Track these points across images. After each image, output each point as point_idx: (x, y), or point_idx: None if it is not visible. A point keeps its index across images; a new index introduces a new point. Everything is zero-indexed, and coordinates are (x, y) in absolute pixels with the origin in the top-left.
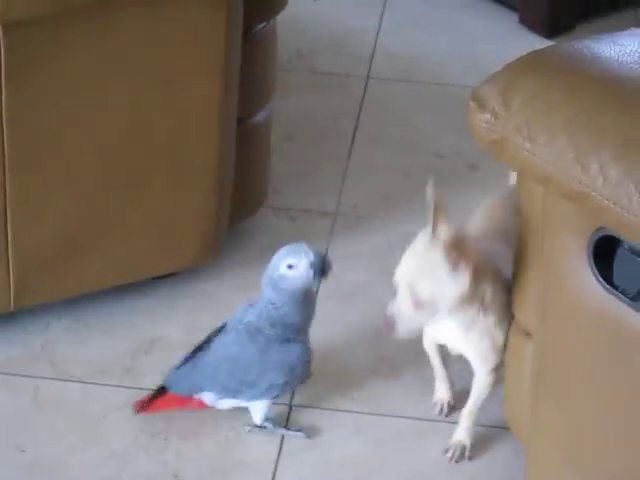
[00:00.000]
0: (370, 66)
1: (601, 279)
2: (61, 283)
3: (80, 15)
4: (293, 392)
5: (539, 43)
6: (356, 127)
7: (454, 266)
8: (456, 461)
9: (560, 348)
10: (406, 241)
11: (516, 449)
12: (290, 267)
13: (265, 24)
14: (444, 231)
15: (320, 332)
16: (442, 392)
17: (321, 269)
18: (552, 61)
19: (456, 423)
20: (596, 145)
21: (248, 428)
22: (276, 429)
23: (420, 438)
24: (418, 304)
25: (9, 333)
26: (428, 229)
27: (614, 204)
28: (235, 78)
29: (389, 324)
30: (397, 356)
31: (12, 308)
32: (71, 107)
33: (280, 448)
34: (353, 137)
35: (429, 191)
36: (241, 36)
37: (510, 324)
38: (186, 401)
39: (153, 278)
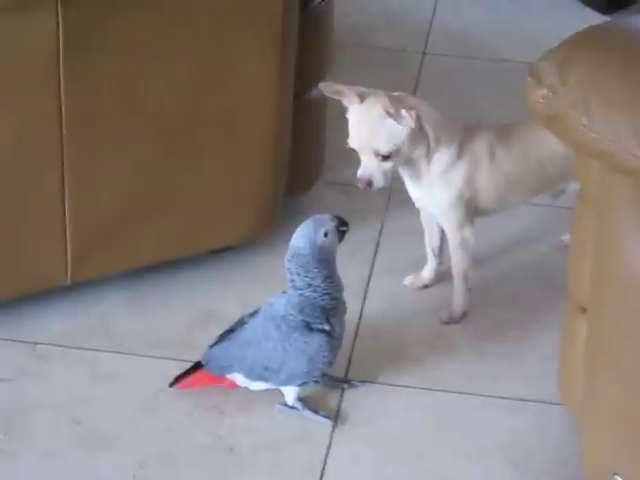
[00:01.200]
0: (427, 41)
1: None
2: (118, 256)
3: None
4: (348, 366)
5: (596, 19)
6: None
7: (396, 114)
8: (446, 323)
9: (616, 323)
10: None
11: (570, 425)
12: (326, 235)
13: None
14: (376, 96)
15: (375, 307)
16: (427, 268)
17: (343, 230)
18: (609, 37)
19: (508, 399)
20: None
21: (278, 407)
22: (304, 411)
23: (474, 413)
24: (385, 158)
25: (67, 306)
26: (354, 103)
27: None
28: (292, 52)
29: (366, 181)
30: (452, 331)
31: (69, 282)
32: (128, 78)
33: (335, 422)
34: None
35: (327, 85)
36: (298, 10)
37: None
38: (219, 380)
39: (210, 252)
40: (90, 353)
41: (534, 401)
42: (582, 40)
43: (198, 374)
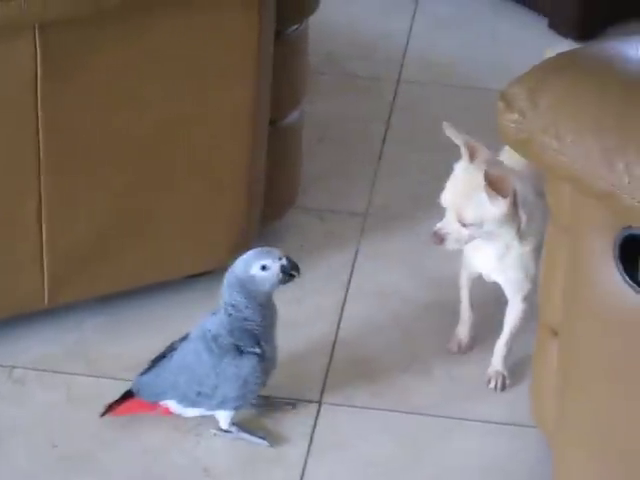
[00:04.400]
0: (401, 69)
1: (627, 278)
2: (95, 281)
3: (115, 17)
4: (323, 389)
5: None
6: (387, 129)
7: (492, 194)
8: (501, 389)
9: (586, 346)
10: None
11: (544, 448)
12: (263, 268)
13: (297, 26)
14: (482, 158)
15: (350, 331)
16: (462, 332)
17: (290, 274)
18: (580, 62)
19: (483, 421)
20: (622, 145)
21: (214, 432)
22: (240, 434)
23: (449, 436)
24: (464, 225)
25: (43, 330)
26: (464, 159)
27: (639, 203)
28: (267, 80)
29: (439, 238)
30: (427, 355)
31: (46, 305)
32: (105, 108)
33: (309, 444)
34: (384, 139)
35: (450, 129)
36: (273, 38)
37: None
38: (152, 407)
39: (186, 276)
40: (67, 377)
41: (508, 424)
42: (553, 65)
43: (130, 403)
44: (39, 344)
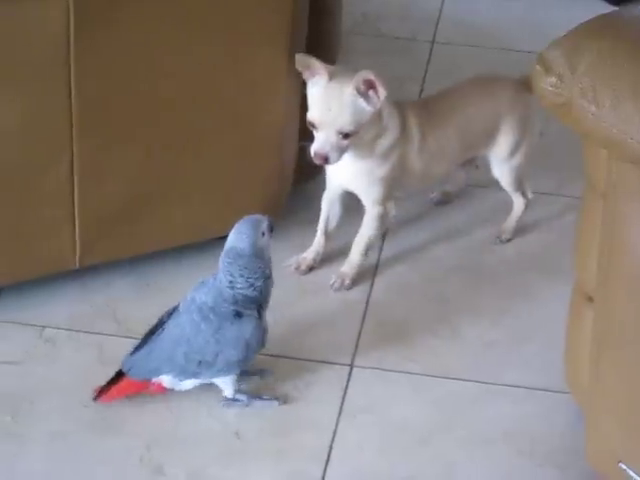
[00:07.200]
0: (435, 31)
1: None
2: (125, 242)
3: None
4: (355, 352)
5: (605, 10)
6: (421, 91)
7: (366, 94)
8: (337, 290)
9: (623, 312)
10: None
11: (576, 413)
12: (263, 234)
13: None
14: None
15: (382, 294)
16: (313, 249)
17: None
18: (618, 25)
19: (514, 386)
20: None
21: (222, 402)
22: (250, 400)
23: (478, 401)
24: (345, 136)
25: (73, 290)
26: (323, 78)
27: None
28: (301, 40)
29: (322, 157)
30: (457, 318)
31: (77, 266)
32: (138, 64)
33: (341, 407)
34: None
35: (301, 57)
36: None
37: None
38: (145, 385)
39: (217, 237)
40: (97, 337)
41: (539, 389)
42: (590, 28)
43: (121, 384)
44: (69, 304)
